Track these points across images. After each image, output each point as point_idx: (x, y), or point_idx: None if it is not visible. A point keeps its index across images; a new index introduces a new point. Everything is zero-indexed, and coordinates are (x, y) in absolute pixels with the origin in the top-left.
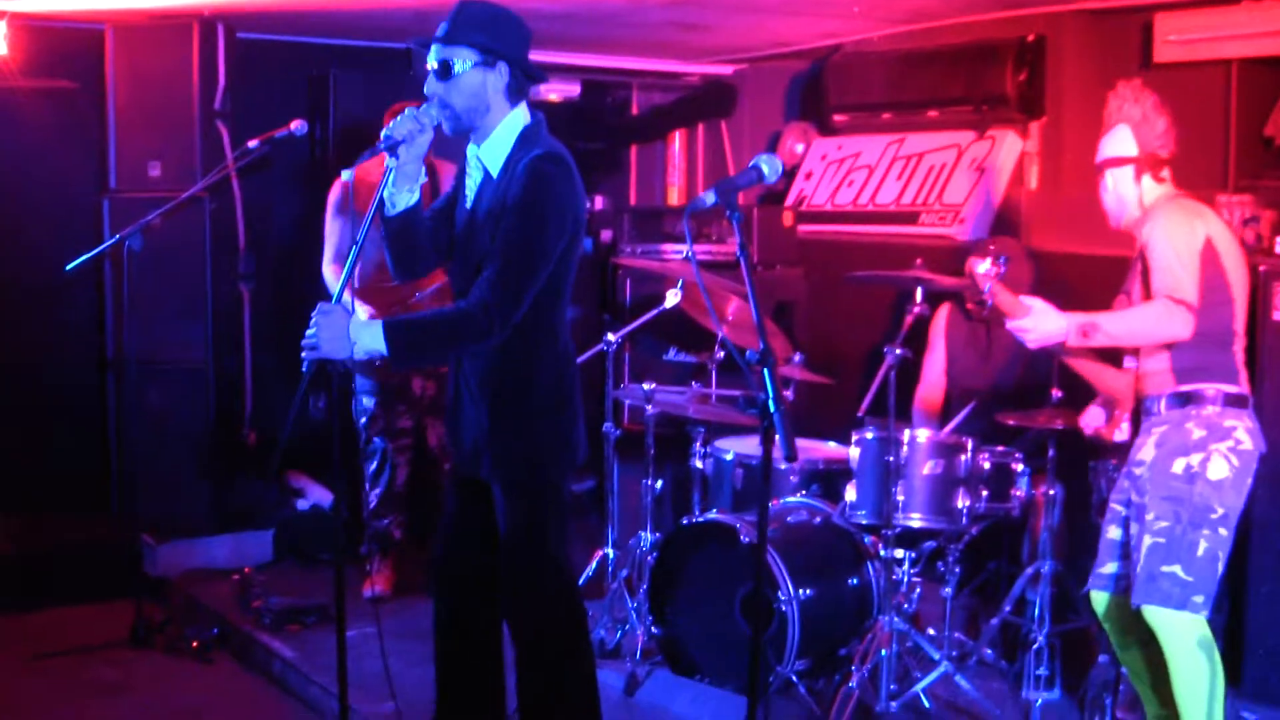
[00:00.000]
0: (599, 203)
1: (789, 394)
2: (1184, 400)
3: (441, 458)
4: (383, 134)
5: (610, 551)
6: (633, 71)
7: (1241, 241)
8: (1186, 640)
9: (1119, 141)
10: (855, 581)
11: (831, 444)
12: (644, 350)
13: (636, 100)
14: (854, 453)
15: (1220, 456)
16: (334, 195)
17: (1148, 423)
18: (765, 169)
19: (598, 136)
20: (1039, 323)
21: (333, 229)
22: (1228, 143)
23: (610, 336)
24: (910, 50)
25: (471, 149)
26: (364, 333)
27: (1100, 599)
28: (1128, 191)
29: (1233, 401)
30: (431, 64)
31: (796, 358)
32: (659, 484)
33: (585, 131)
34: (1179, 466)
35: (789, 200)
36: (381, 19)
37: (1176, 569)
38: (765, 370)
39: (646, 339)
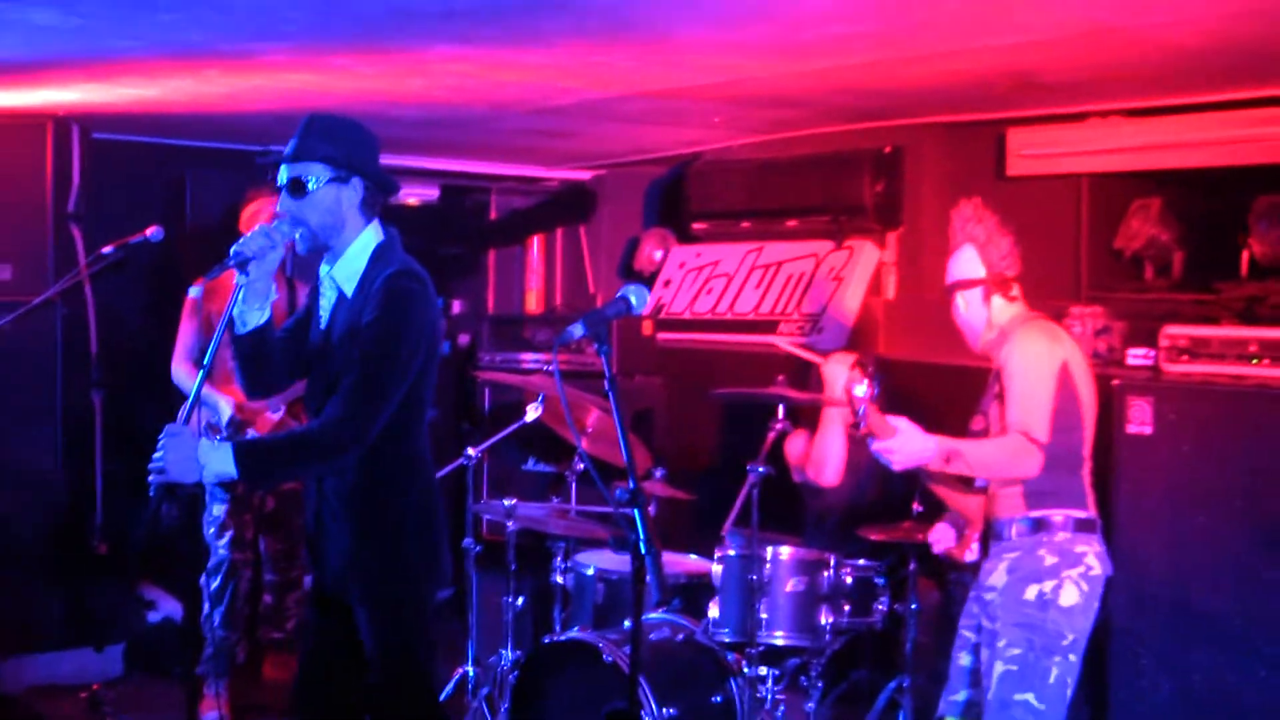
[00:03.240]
0: (456, 307)
1: (651, 509)
2: (1035, 526)
3: (278, 573)
4: (232, 250)
5: (470, 669)
6: (492, 176)
7: (1093, 357)
8: None
9: (966, 263)
10: (719, 699)
11: (693, 557)
12: (502, 460)
13: (495, 204)
14: (716, 569)
15: (1072, 583)
16: (187, 304)
17: (998, 547)
18: (634, 299)
19: (456, 240)
20: (905, 444)
21: (185, 329)
22: (1078, 255)
23: (470, 451)
24: (770, 160)
25: (324, 269)
26: (213, 455)
27: None
28: (979, 313)
29: (1082, 527)
30: (282, 180)
31: (658, 473)
32: (520, 600)
33: (443, 235)
34: (1031, 593)
35: (647, 308)
36: (240, 122)
37: (1029, 697)
38: (635, 510)
39: (505, 449)
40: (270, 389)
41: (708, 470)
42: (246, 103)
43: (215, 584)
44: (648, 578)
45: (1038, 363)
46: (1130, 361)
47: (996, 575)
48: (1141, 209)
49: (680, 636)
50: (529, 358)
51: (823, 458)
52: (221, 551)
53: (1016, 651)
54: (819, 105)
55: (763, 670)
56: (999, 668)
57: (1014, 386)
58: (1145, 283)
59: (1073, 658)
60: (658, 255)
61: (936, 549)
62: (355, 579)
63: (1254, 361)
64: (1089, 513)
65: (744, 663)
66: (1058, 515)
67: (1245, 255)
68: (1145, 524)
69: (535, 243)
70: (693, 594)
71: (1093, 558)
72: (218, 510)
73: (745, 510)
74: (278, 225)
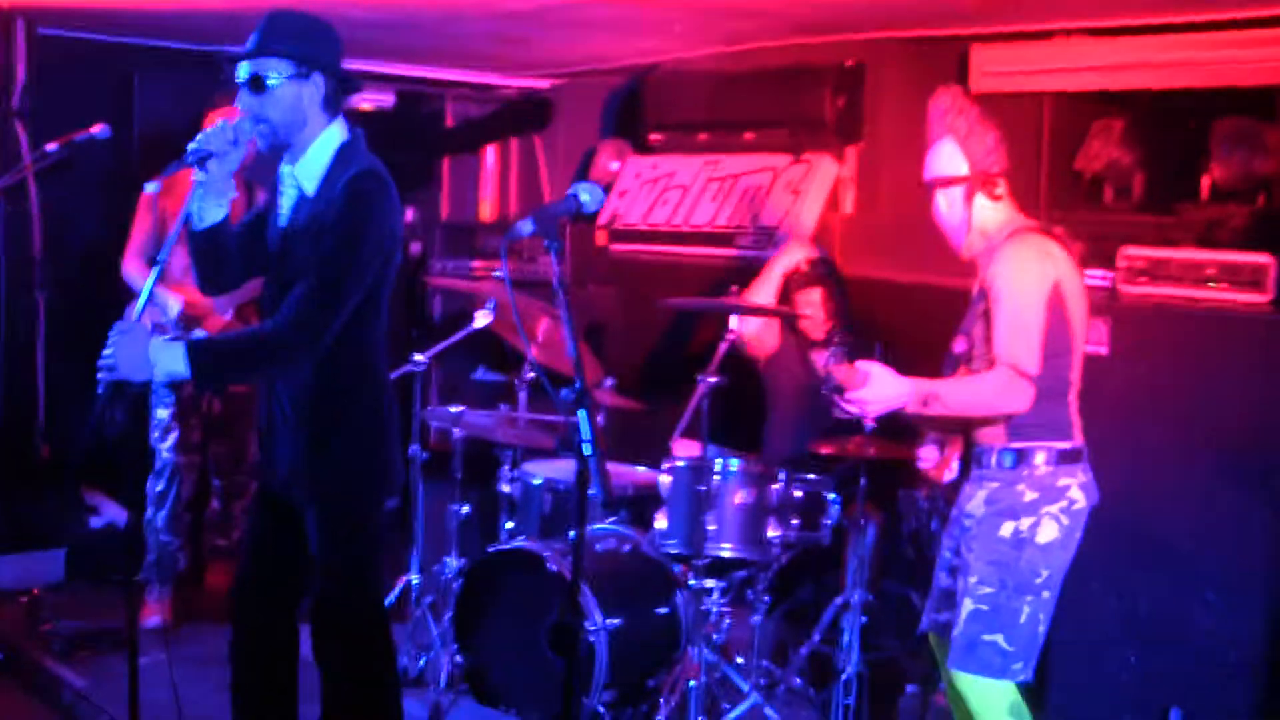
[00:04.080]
0: (410, 214)
1: (600, 419)
2: (1017, 458)
3: (225, 479)
4: (190, 146)
5: (415, 577)
6: (448, 83)
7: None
8: (997, 708)
9: (946, 158)
10: (664, 611)
11: (641, 469)
12: (451, 369)
13: (451, 112)
14: (664, 480)
15: (1051, 519)
16: (141, 201)
17: (978, 473)
18: (584, 197)
19: (411, 147)
20: (879, 391)
21: (139, 226)
22: (1039, 175)
23: (419, 357)
24: (729, 72)
25: (286, 167)
26: (164, 354)
27: (937, 640)
28: (961, 214)
29: (1066, 458)
30: (242, 77)
31: (608, 382)
32: (465, 508)
33: (398, 142)
34: (1007, 530)
35: (602, 218)
36: (193, 20)
37: (999, 638)
38: (582, 411)
39: (454, 357)
40: (225, 287)
41: (659, 381)
42: (198, 1)
43: (158, 487)
44: (592, 482)
45: (1027, 286)
46: (1087, 282)
47: (975, 503)
48: (1103, 130)
49: (626, 547)
50: (481, 265)
51: (756, 334)
52: (165, 455)
53: (988, 590)
54: (779, 17)
55: (709, 583)
56: (968, 604)
57: (1002, 312)
58: (1105, 204)
59: (1046, 594)
60: (614, 166)
61: (923, 467)
62: (305, 482)
63: (1211, 285)
64: (1074, 442)
65: (690, 575)
66: (1041, 448)
67: (1206, 179)
68: (1100, 444)
69: (490, 151)
70: (640, 505)
71: (1076, 490)
72: (162, 414)
73: (695, 421)
74: (239, 122)
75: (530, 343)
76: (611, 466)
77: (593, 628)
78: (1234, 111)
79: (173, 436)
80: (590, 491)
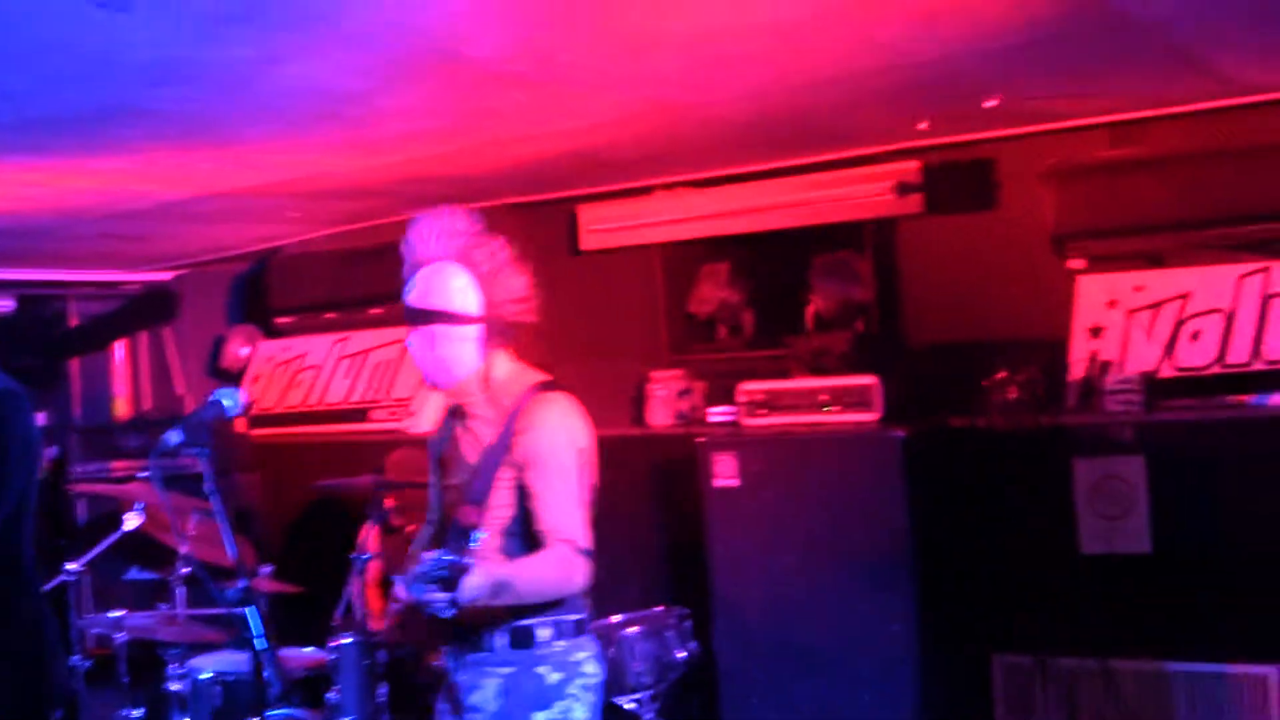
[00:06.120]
0: (41, 419)
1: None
2: (525, 638)
3: None
4: None
5: None
6: (69, 283)
7: (677, 418)
8: None
9: (454, 290)
10: None
11: (309, 649)
12: (103, 571)
13: (75, 311)
14: (333, 660)
15: (578, 701)
16: None
17: (479, 659)
18: (226, 402)
19: (33, 352)
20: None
21: None
22: (656, 321)
23: (71, 565)
24: (351, 249)
25: None
26: None
27: None
28: (461, 353)
29: (578, 630)
30: None
31: (264, 569)
32: (136, 713)
33: (21, 347)
34: None
35: (240, 408)
36: None
37: None
38: (251, 608)
39: (105, 560)
40: None
41: (315, 562)
42: None
43: None
44: (265, 674)
45: (570, 454)
46: (711, 419)
47: (482, 695)
48: (711, 274)
49: None
50: (121, 465)
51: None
52: None
53: None
54: (393, 195)
55: None
56: None
57: (550, 482)
58: (720, 343)
59: None
60: (244, 352)
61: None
62: None
63: (825, 409)
64: (581, 613)
65: None
66: (551, 623)
67: (809, 311)
68: (740, 571)
69: (120, 348)
70: (312, 686)
71: (591, 662)
72: None
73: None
74: None
75: (183, 538)
76: (280, 651)
77: None
78: (829, 247)
79: None
80: (268, 684)
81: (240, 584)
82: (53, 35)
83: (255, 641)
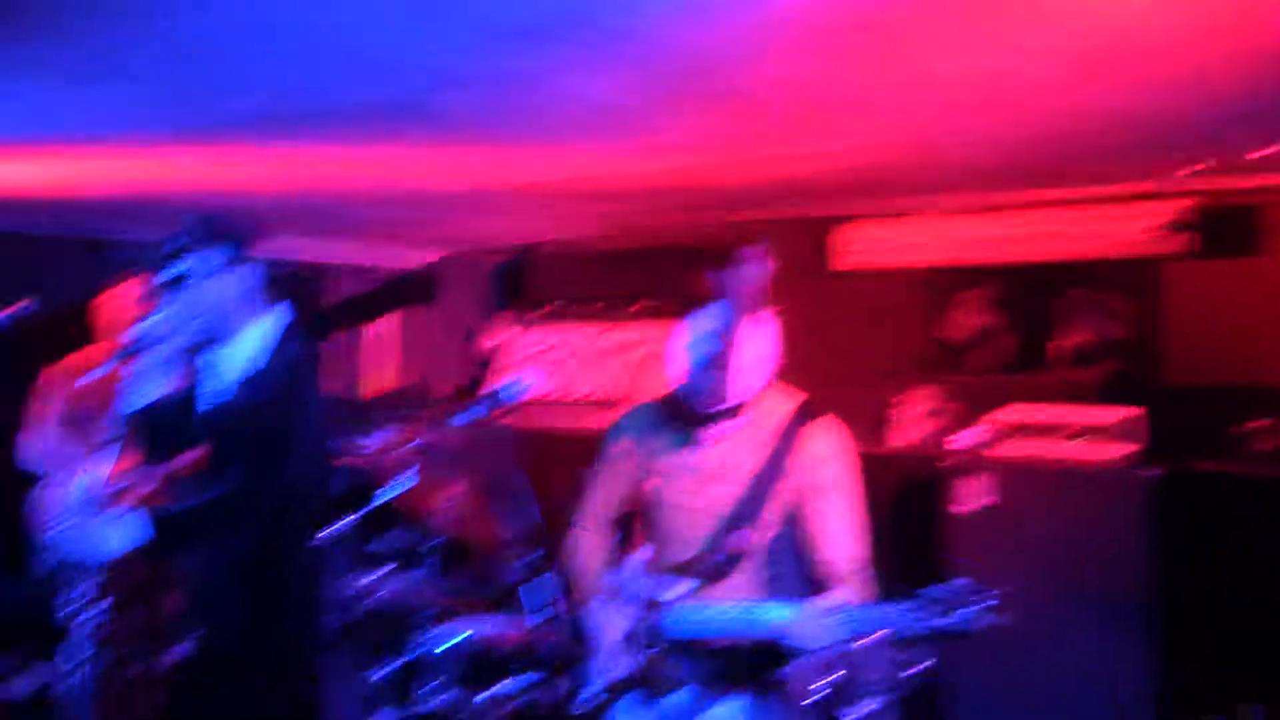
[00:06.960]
0: None
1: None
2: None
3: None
4: (128, 338)
5: None
6: (327, 265)
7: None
8: None
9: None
10: None
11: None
12: (348, 541)
13: (335, 289)
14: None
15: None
16: (43, 381)
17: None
18: (518, 386)
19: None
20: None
21: (42, 406)
22: (903, 343)
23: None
24: (609, 249)
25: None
26: (119, 527)
27: None
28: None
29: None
30: (169, 274)
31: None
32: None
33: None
34: None
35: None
36: (85, 208)
37: None
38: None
39: (353, 529)
40: (159, 460)
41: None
42: (95, 188)
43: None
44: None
45: (856, 479)
46: (952, 444)
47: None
48: (966, 300)
49: None
50: (371, 441)
51: None
52: (82, 627)
53: None
54: (649, 200)
55: None
56: None
57: (838, 509)
58: (971, 369)
59: None
60: (498, 340)
61: None
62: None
63: (1074, 439)
64: None
65: None
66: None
67: (1064, 344)
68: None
69: (373, 328)
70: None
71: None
72: (82, 587)
73: None
74: (170, 313)
75: (441, 513)
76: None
77: None
78: (1087, 281)
79: (93, 608)
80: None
81: (523, 559)
82: (357, 39)
83: (540, 612)
